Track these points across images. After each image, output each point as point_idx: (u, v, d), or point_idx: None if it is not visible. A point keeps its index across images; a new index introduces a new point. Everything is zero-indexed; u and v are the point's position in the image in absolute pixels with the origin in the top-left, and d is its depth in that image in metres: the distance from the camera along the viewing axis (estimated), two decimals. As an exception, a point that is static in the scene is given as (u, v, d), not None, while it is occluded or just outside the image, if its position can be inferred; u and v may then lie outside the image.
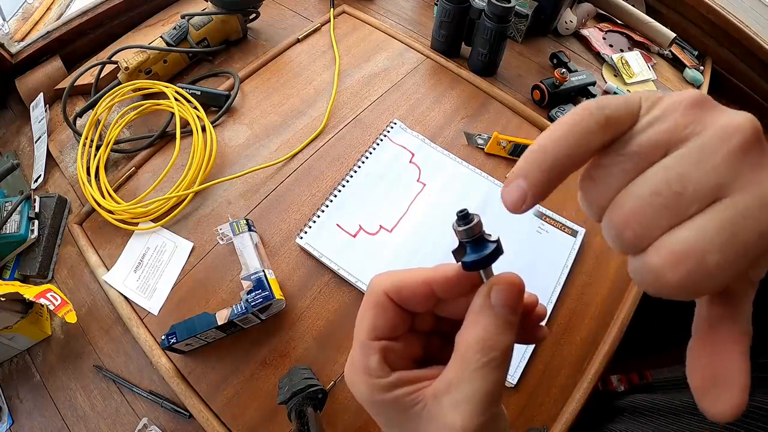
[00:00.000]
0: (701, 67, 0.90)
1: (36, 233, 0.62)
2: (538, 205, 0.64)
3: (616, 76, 0.85)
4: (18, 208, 0.62)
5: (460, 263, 0.20)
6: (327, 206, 0.64)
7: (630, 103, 0.17)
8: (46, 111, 0.76)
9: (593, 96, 0.75)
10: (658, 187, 0.15)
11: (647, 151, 0.16)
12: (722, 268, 0.14)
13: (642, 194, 0.15)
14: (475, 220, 0.20)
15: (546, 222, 0.63)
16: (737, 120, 0.15)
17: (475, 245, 0.20)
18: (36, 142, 0.74)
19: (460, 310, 0.21)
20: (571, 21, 0.87)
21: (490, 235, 0.20)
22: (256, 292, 0.53)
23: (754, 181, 0.14)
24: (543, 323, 0.23)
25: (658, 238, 0.15)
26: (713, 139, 0.15)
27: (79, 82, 0.74)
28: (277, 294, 0.54)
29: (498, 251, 0.20)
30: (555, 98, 0.75)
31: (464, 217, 0.20)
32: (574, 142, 0.16)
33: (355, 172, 0.67)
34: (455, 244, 0.21)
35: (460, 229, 0.20)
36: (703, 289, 0.15)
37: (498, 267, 0.20)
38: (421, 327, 0.23)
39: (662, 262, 0.15)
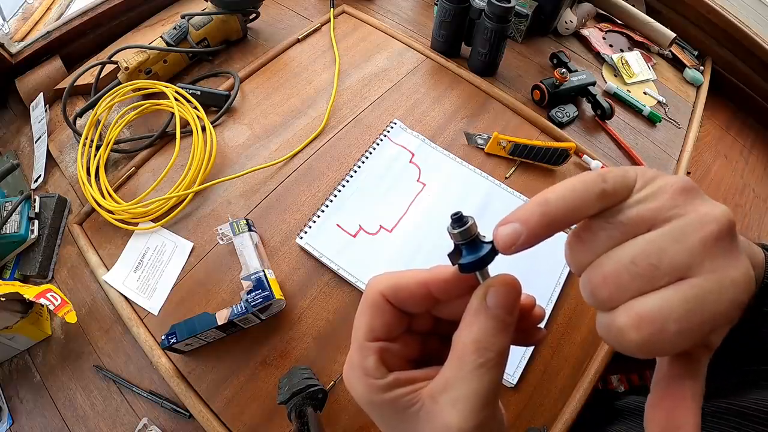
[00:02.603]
0: (701, 67, 0.90)
1: (36, 233, 0.62)
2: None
3: (616, 76, 0.85)
4: (18, 208, 0.62)
5: (456, 265, 0.20)
6: (327, 206, 0.64)
7: (627, 178, 0.19)
8: (46, 111, 0.76)
9: (593, 96, 0.75)
10: (637, 258, 0.17)
11: (634, 224, 0.18)
12: (679, 336, 0.16)
13: (622, 261, 0.17)
14: (470, 223, 0.20)
15: (546, 222, 0.63)
16: (715, 211, 0.17)
17: (471, 247, 0.20)
18: (36, 142, 0.74)
19: (458, 311, 0.21)
20: (571, 21, 0.87)
21: (485, 236, 0.20)
22: (256, 292, 0.53)
23: (719, 268, 0.17)
24: (542, 325, 0.23)
25: (627, 301, 0.17)
26: (692, 224, 0.17)
27: (79, 82, 0.74)
28: (277, 294, 0.54)
29: (493, 253, 0.20)
30: (555, 98, 0.75)
31: (458, 219, 0.20)
32: (573, 205, 0.18)
33: (355, 172, 0.67)
34: (452, 246, 0.21)
35: (455, 231, 0.20)
36: (661, 351, 0.17)
37: (498, 267, 0.20)
38: (419, 328, 0.23)
39: (628, 322, 0.17)
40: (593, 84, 0.76)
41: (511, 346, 0.21)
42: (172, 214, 0.64)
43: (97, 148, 0.68)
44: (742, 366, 0.31)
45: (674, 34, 0.86)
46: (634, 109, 0.80)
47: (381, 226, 0.63)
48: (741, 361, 0.31)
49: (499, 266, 0.20)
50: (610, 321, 0.18)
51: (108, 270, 0.61)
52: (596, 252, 0.18)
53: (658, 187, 0.18)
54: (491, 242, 0.20)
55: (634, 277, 0.17)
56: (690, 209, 0.18)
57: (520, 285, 0.20)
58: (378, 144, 0.70)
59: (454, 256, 0.20)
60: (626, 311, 0.17)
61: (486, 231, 0.20)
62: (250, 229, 0.60)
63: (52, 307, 0.54)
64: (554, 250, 0.65)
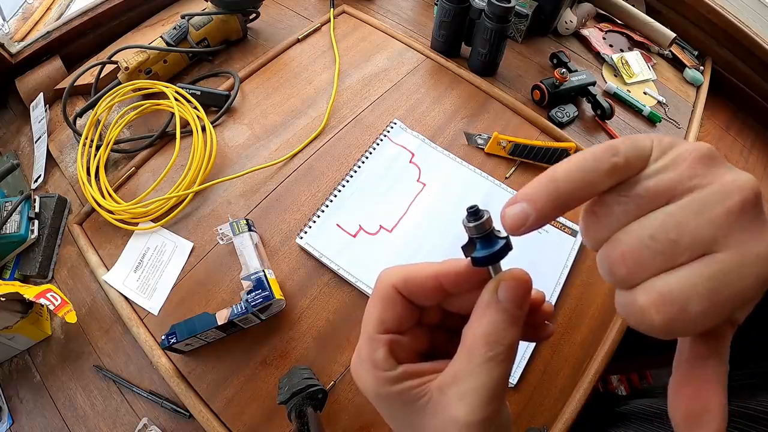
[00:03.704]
0: (701, 67, 0.90)
1: (36, 233, 0.62)
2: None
3: (616, 76, 0.85)
4: (18, 208, 0.62)
5: (469, 259, 0.20)
6: (327, 206, 0.64)
7: (641, 148, 0.17)
8: (46, 111, 0.76)
9: (593, 96, 0.75)
10: (656, 233, 0.16)
11: (651, 197, 0.17)
12: (702, 317, 0.15)
13: (640, 236, 0.16)
14: (486, 216, 0.19)
15: (546, 222, 0.63)
16: (740, 180, 0.16)
17: (485, 241, 0.20)
18: (36, 142, 0.74)
19: (468, 305, 0.21)
20: (571, 21, 0.87)
21: (499, 231, 0.20)
22: (256, 292, 0.53)
23: (744, 242, 0.15)
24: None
25: (647, 279, 0.16)
26: (715, 195, 0.16)
27: (79, 82, 0.74)
28: (277, 294, 0.54)
29: (507, 247, 0.20)
30: (555, 98, 0.75)
31: (475, 213, 0.19)
32: (582, 181, 0.17)
33: (355, 172, 0.67)
34: (458, 242, 0.21)
35: (470, 225, 0.20)
36: (683, 332, 0.16)
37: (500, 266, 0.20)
38: (429, 321, 0.23)
39: (649, 302, 0.16)
40: (593, 84, 0.76)
41: None
42: (172, 214, 0.64)
43: (97, 148, 0.68)
44: (759, 362, 0.31)
45: (674, 34, 0.86)
46: (634, 109, 0.80)
47: (381, 226, 0.63)
48: (757, 357, 0.30)
49: (501, 265, 0.20)
50: (630, 301, 0.17)
51: (108, 270, 0.61)
52: (612, 228, 0.17)
53: (677, 155, 0.17)
54: (506, 237, 0.20)
55: (654, 253, 0.16)
56: (711, 179, 0.16)
57: (531, 279, 0.20)
58: (378, 144, 0.70)
59: (467, 248, 0.20)
60: (647, 291, 0.16)
61: (496, 227, 0.20)
62: (250, 229, 0.60)
63: (52, 307, 0.54)
64: (554, 250, 0.66)
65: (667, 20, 0.91)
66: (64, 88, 0.72)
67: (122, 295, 0.59)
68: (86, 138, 0.68)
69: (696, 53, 0.92)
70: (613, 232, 0.17)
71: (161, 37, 0.75)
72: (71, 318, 0.55)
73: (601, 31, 0.91)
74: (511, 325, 0.20)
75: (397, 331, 0.22)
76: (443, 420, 0.19)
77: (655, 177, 0.17)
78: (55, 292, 0.55)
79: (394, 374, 0.20)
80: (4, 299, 0.52)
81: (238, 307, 0.52)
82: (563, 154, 0.66)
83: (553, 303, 0.58)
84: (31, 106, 0.77)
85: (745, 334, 0.22)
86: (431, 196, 0.66)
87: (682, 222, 0.16)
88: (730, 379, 0.18)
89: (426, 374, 0.21)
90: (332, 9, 0.87)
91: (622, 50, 0.88)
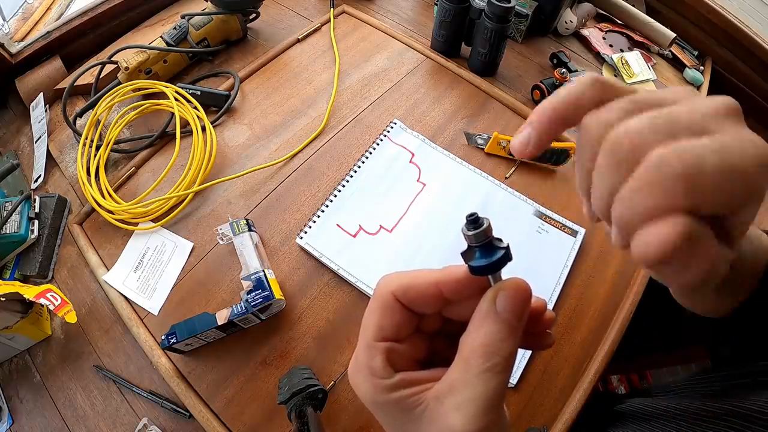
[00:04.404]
0: (701, 67, 0.90)
1: (36, 233, 0.62)
2: (538, 205, 0.64)
3: (616, 76, 0.85)
4: (18, 208, 0.62)
5: (468, 266, 0.20)
6: (327, 206, 0.64)
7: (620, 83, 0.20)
8: (46, 111, 0.76)
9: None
10: (655, 117, 0.17)
11: (645, 101, 0.18)
12: (718, 180, 0.15)
13: (640, 119, 0.17)
14: (485, 225, 0.19)
15: (546, 222, 0.63)
16: (722, 96, 0.18)
17: (484, 250, 0.19)
18: (36, 142, 0.74)
19: (467, 312, 0.21)
20: (571, 21, 0.87)
21: (499, 239, 0.20)
22: (256, 292, 0.53)
23: (735, 130, 0.16)
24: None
25: (651, 149, 0.16)
26: (702, 101, 0.17)
27: (79, 82, 0.74)
28: (277, 294, 0.54)
29: (507, 257, 0.19)
30: (555, 98, 0.75)
31: (474, 221, 0.19)
32: (572, 98, 0.19)
33: (355, 172, 0.67)
34: (458, 242, 0.20)
35: (470, 233, 0.19)
36: (702, 190, 0.15)
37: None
38: (428, 328, 0.23)
39: (666, 151, 0.16)
40: (593, 84, 0.76)
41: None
42: (172, 214, 0.64)
43: (97, 148, 0.68)
44: (755, 361, 0.31)
45: (674, 34, 0.86)
46: (634, 109, 0.80)
47: (381, 226, 0.63)
48: (739, 358, 0.30)
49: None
50: (658, 162, 0.16)
51: (108, 270, 0.61)
52: (610, 121, 0.18)
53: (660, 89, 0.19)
54: (506, 246, 0.19)
55: (655, 128, 0.16)
56: (696, 99, 0.18)
57: (530, 289, 0.20)
58: (378, 144, 0.70)
59: (466, 256, 0.20)
60: (663, 145, 0.16)
61: (495, 234, 0.20)
62: (250, 229, 0.60)
63: (52, 307, 0.54)
64: (554, 250, 0.65)
65: (667, 20, 0.91)
66: (64, 88, 0.72)
67: (122, 295, 0.59)
68: (86, 138, 0.68)
69: (696, 53, 0.92)
70: (613, 122, 0.18)
71: (161, 37, 0.75)
72: (71, 318, 0.55)
73: (601, 31, 0.91)
74: (509, 335, 0.19)
75: (395, 339, 0.22)
76: (439, 429, 0.19)
77: (644, 93, 0.19)
78: (55, 292, 0.55)
79: (391, 382, 0.20)
80: (4, 299, 0.52)
81: (238, 307, 0.52)
82: (563, 154, 0.66)
83: (553, 303, 0.58)
84: (31, 106, 0.77)
85: (726, 336, 0.22)
86: (431, 196, 0.66)
87: (676, 113, 0.17)
88: (723, 380, 0.18)
89: (423, 382, 0.21)
90: (332, 9, 0.87)
91: (622, 50, 0.88)
